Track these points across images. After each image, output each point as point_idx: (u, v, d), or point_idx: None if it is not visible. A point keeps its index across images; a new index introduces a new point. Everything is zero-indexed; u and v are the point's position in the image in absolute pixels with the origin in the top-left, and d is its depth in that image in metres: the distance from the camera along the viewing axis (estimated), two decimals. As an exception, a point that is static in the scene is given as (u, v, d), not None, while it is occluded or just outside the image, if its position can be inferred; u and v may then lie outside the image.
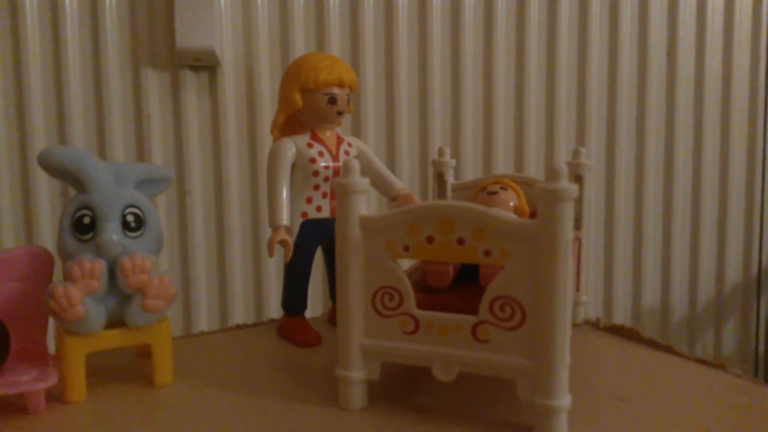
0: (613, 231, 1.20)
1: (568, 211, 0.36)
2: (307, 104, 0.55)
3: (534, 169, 1.13)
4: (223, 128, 1.02)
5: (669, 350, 0.52)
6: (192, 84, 1.01)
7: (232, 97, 1.02)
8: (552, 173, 0.36)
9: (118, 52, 0.98)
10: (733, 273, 1.29)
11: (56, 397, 0.45)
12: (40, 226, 0.94)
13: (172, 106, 1.01)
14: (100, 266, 0.45)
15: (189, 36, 0.95)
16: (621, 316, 1.23)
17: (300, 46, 1.03)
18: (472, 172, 1.11)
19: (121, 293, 0.46)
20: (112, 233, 0.45)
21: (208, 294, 1.05)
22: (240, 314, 1.05)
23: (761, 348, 1.33)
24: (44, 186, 0.96)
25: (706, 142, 1.23)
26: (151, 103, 1.00)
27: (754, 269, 1.30)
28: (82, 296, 0.44)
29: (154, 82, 1.00)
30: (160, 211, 1.01)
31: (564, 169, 0.36)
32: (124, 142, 0.99)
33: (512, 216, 0.40)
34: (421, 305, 0.42)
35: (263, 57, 1.02)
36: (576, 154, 0.58)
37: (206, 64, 1.00)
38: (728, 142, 1.24)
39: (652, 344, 0.53)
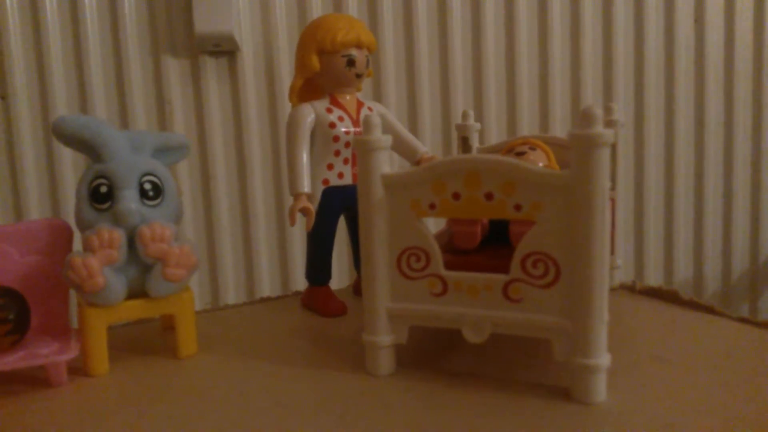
0: (643, 200, 1.17)
1: (604, 158, 0.34)
2: (325, 67, 0.54)
3: (560, 132, 1.09)
4: (245, 113, 1.01)
5: (710, 310, 0.49)
6: (212, 70, 1.00)
7: (253, 82, 1.01)
8: (586, 117, 0.34)
9: (137, 40, 0.98)
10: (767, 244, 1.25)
11: (79, 370, 0.45)
12: (65, 201, 0.95)
13: (193, 93, 1.00)
14: (119, 235, 0.44)
15: (208, 21, 0.94)
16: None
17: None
18: (496, 135, 1.08)
19: (141, 263, 0.45)
20: (129, 202, 0.44)
21: (235, 275, 1.04)
22: (267, 290, 1.05)
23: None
24: (69, 167, 0.96)
25: (737, 108, 1.19)
26: (172, 90, 0.99)
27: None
28: (101, 266, 0.43)
29: (174, 69, 0.99)
30: (185, 196, 1.00)
31: (599, 113, 0.34)
32: (146, 128, 0.99)
33: (543, 168, 0.38)
34: (449, 266, 0.40)
35: (282, 40, 1.01)
36: (608, 110, 0.56)
37: (226, 50, 0.99)
38: (760, 108, 1.19)
39: (692, 305, 0.51)
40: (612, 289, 0.57)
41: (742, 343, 0.44)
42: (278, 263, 1.05)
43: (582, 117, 0.34)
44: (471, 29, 1.07)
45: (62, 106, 0.96)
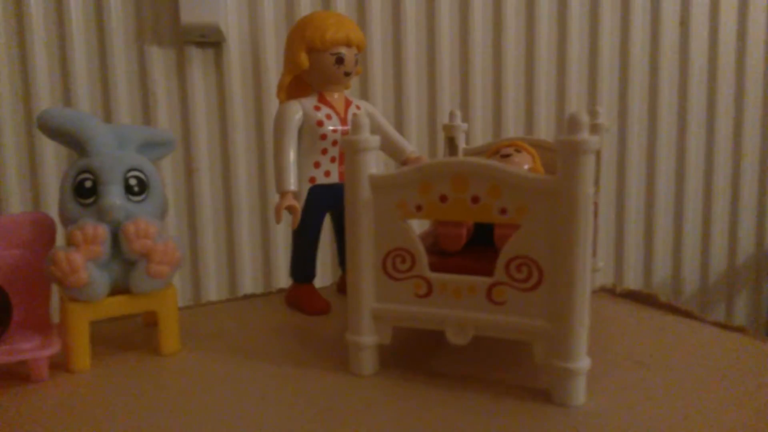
0: (624, 201, 1.18)
1: (589, 165, 0.35)
2: (314, 65, 0.54)
3: (545, 134, 1.10)
4: (230, 105, 1.00)
5: (688, 315, 0.50)
6: (198, 60, 0.99)
7: (239, 73, 1.01)
8: (572, 123, 0.34)
9: (122, 28, 0.97)
10: (746, 246, 1.27)
11: (60, 365, 0.44)
12: (47, 194, 0.94)
13: (178, 83, 0.99)
14: (103, 231, 0.43)
15: (194, 11, 0.93)
16: (632, 286, 1.21)
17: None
18: (481, 136, 1.08)
19: (125, 259, 0.45)
20: (114, 197, 0.44)
21: (217, 272, 1.04)
22: (249, 287, 1.04)
23: (773, 321, 1.31)
24: (51, 160, 0.95)
25: (720, 113, 1.20)
26: (156, 80, 0.98)
27: (767, 241, 1.28)
28: (84, 261, 0.43)
29: (159, 59, 0.98)
30: (168, 189, 0.99)
31: (585, 119, 0.35)
32: (130, 119, 0.98)
33: (529, 172, 0.38)
34: (433, 268, 0.40)
35: (269, 32, 1.00)
36: (593, 114, 0.56)
37: (212, 40, 0.98)
38: (742, 112, 1.21)
39: (671, 309, 0.52)
40: (593, 292, 0.58)
41: (718, 348, 0.45)
42: (261, 260, 1.05)
43: (568, 123, 0.35)
44: (459, 30, 1.07)
45: (45, 94, 0.95)
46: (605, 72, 1.13)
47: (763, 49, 1.20)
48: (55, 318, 0.48)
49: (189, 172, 1.01)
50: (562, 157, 0.35)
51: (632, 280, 1.20)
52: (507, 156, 0.51)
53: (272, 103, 1.00)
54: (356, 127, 0.40)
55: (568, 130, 0.35)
